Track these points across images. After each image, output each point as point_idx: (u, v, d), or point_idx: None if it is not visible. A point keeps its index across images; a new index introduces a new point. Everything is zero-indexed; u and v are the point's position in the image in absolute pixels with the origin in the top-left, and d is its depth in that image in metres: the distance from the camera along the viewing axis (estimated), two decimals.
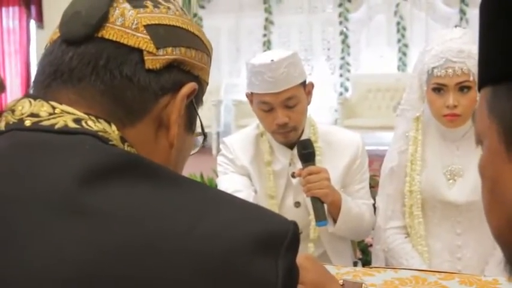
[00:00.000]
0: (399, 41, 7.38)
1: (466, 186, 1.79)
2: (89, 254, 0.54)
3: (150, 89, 0.69)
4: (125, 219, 0.56)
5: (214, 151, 6.98)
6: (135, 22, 0.69)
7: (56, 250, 0.54)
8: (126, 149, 0.66)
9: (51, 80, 0.68)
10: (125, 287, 0.53)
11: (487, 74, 0.55)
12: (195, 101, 0.76)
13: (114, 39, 0.68)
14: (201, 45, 0.77)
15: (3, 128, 0.65)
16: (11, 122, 0.65)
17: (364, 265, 2.04)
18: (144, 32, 0.69)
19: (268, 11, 7.81)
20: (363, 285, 1.07)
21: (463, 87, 1.72)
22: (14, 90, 8.44)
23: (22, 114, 0.65)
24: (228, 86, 7.84)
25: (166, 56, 0.70)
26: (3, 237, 0.56)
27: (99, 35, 0.68)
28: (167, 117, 0.71)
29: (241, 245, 0.56)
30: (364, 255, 2.74)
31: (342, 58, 7.63)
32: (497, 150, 0.53)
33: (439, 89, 1.74)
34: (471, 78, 1.70)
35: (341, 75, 7.65)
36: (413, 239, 1.85)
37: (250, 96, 1.85)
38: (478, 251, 1.81)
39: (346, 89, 7.60)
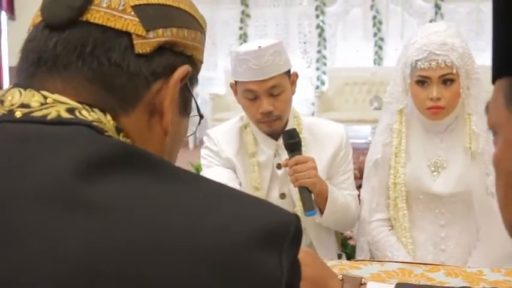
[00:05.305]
0: (375, 35, 7.43)
1: (450, 178, 1.80)
2: (92, 251, 0.51)
3: (141, 75, 0.65)
4: (128, 214, 0.54)
5: (191, 144, 6.94)
6: (122, 3, 0.65)
7: (55, 247, 0.51)
8: (121, 139, 0.64)
9: (35, 68, 0.64)
10: (131, 286, 0.51)
11: (503, 66, 0.54)
12: (189, 82, 0.73)
13: (100, 22, 0.64)
14: (193, 23, 0.73)
15: None
16: (0, 114, 0.62)
17: (348, 258, 2.04)
18: (132, 13, 0.65)
19: (244, 3, 7.78)
20: (362, 279, 1.06)
21: (446, 80, 1.73)
22: None
23: (12, 105, 0.62)
24: (204, 79, 7.76)
25: (157, 39, 0.66)
26: None
27: (84, 18, 0.64)
28: (160, 104, 0.67)
29: (245, 240, 0.55)
30: (343, 248, 2.74)
31: (319, 51, 7.66)
32: None
33: (422, 81, 1.75)
34: (454, 71, 1.71)
35: (317, 69, 7.67)
36: (397, 231, 1.85)
37: (235, 86, 1.84)
38: (461, 242, 1.83)
39: (323, 83, 7.63)
